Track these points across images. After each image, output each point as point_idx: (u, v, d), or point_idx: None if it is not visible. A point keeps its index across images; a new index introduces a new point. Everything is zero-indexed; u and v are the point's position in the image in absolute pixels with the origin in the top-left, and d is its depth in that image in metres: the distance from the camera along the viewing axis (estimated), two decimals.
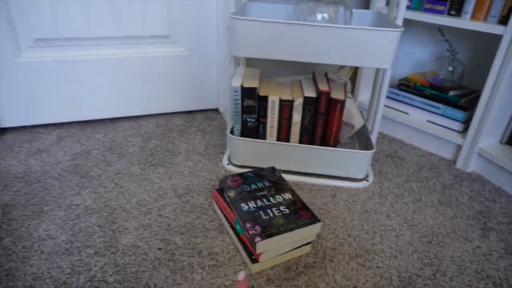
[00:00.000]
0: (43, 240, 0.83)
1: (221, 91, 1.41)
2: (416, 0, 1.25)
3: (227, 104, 1.35)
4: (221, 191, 0.92)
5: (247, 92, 1.00)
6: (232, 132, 1.10)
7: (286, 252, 0.80)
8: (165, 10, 1.25)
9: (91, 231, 0.86)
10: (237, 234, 0.84)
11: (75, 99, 1.27)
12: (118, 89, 1.31)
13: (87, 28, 1.19)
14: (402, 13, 0.98)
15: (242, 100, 1.02)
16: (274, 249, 0.78)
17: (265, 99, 1.01)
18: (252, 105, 1.02)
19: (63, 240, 0.83)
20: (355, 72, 1.58)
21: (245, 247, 0.80)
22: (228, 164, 1.13)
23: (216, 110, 1.49)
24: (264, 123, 1.05)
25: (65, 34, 1.18)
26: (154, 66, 1.31)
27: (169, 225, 0.89)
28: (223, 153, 1.20)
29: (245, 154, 1.09)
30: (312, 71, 1.51)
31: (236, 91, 1.01)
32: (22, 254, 0.79)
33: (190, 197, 0.99)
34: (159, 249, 0.82)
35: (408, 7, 1.27)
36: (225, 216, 0.89)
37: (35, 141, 1.20)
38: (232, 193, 0.87)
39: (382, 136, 1.34)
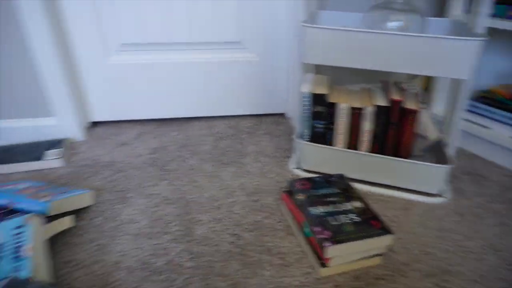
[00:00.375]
0: (127, 223, 0.91)
1: (289, 97, 1.45)
2: (500, 7, 1.19)
3: (295, 109, 1.38)
4: (289, 193, 0.94)
5: (317, 98, 1.02)
6: (300, 137, 1.12)
7: (355, 261, 0.80)
8: (235, 17, 1.31)
9: (169, 220, 0.93)
10: (305, 237, 0.86)
11: (154, 99, 1.37)
12: (192, 91, 1.39)
13: (167, 34, 1.29)
14: (484, 21, 0.94)
15: (312, 106, 1.04)
16: (343, 256, 0.79)
17: (334, 105, 1.02)
18: (321, 111, 1.04)
19: (144, 225, 0.91)
20: (428, 82, 1.53)
21: (314, 250, 0.82)
22: (295, 168, 1.15)
23: (283, 114, 1.52)
24: (332, 130, 1.06)
25: (148, 39, 1.29)
26: (225, 70, 1.38)
27: (239, 221, 0.94)
28: (289, 156, 1.22)
29: (313, 159, 1.11)
30: (381, 80, 1.49)
31: (306, 97, 1.03)
32: (110, 233, 0.88)
33: (259, 196, 1.03)
34: (231, 242, 0.87)
35: (491, 15, 1.20)
36: (293, 218, 0.91)
37: (120, 135, 1.32)
38: (301, 196, 0.89)
39: (460, 151, 1.28)
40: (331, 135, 1.07)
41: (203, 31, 1.31)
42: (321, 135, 1.07)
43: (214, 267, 0.80)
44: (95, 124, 1.39)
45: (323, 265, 0.79)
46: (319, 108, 1.03)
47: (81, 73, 1.28)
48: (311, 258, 0.82)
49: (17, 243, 0.70)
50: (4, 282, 0.63)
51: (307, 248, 0.84)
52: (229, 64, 1.38)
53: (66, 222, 0.85)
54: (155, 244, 0.85)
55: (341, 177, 0.98)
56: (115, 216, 0.93)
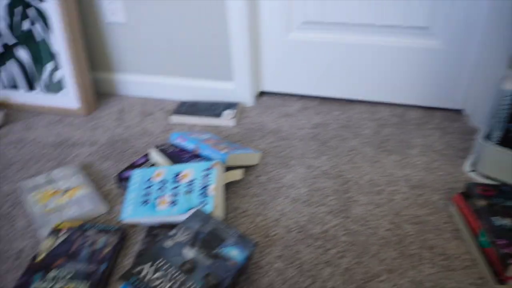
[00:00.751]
0: (288, 187, 0.96)
1: (472, 92, 1.27)
2: None
3: (478, 107, 1.20)
4: (466, 196, 0.84)
5: None
6: (488, 139, 0.98)
7: None
8: (430, 2, 1.20)
9: (327, 193, 0.94)
10: (479, 246, 0.75)
11: (320, 77, 1.39)
12: (360, 73, 1.36)
13: (350, 14, 1.27)
14: None
15: (511, 108, 0.89)
16: None
17: None
18: None
19: (303, 192, 0.94)
20: None
21: (488, 263, 0.72)
22: (470, 171, 1.02)
23: (459, 111, 1.35)
24: None
25: (330, 18, 1.29)
26: (402, 56, 1.30)
27: (399, 211, 0.88)
28: (465, 157, 1.09)
29: (499, 165, 0.96)
30: None
31: (508, 96, 0.89)
32: (273, 193, 0.94)
33: (423, 191, 0.95)
34: (388, 230, 0.83)
35: None
36: (465, 223, 0.81)
37: (284, 107, 1.39)
38: (482, 202, 0.78)
39: None
40: None
41: (389, 14, 1.25)
42: None
43: (369, 248, 0.78)
44: (263, 93, 1.49)
45: (501, 282, 0.68)
46: None
47: (261, 46, 1.39)
48: (484, 270, 0.72)
49: (205, 182, 0.81)
50: (194, 211, 0.75)
51: (480, 258, 0.74)
52: (408, 50, 1.29)
53: (237, 174, 0.94)
54: (312, 212, 0.88)
55: None
56: (277, 179, 0.99)
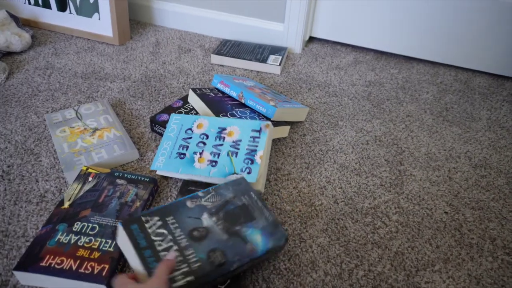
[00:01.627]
0: (336, 151, 0.87)
1: None
2: None
3: None
4: None
5: None
6: None
7: None
8: None
9: (379, 163, 0.85)
10: None
11: (379, 27, 1.23)
12: (424, 28, 1.18)
13: None
14: None
15: None
16: None
17: None
18: None
19: (352, 160, 0.85)
20: None
21: None
22: None
23: None
24: None
25: None
26: (473, 15, 1.11)
27: (458, 192, 0.79)
28: None
29: None
30: None
31: None
32: (319, 156, 0.86)
33: (486, 172, 0.85)
34: (445, 212, 0.75)
35: None
36: None
37: (335, 57, 1.25)
38: None
39: None
40: None
41: None
42: None
43: (423, 232, 0.70)
44: (312, 39, 1.35)
45: None
46: None
47: None
48: None
49: (252, 145, 0.72)
50: (238, 177, 0.67)
51: None
52: (481, 9, 1.10)
53: (285, 131, 0.86)
54: (362, 183, 0.80)
55: None
56: (325, 141, 0.90)
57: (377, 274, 0.63)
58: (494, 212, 0.76)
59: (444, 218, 0.74)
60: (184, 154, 0.74)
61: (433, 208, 0.75)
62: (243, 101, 0.88)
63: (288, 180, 0.79)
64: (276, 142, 0.88)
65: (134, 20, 1.37)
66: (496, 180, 0.83)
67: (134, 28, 1.32)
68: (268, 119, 0.85)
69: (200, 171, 0.71)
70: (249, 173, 0.69)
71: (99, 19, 1.19)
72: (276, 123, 0.84)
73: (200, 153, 0.73)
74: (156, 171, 0.77)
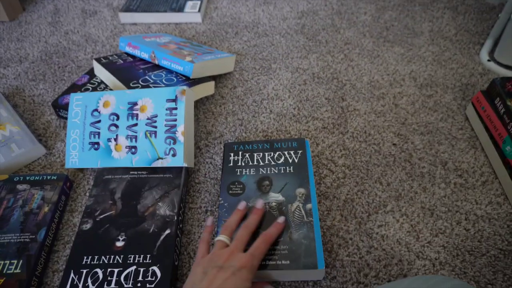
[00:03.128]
0: (271, 99, 0.78)
1: None
2: None
3: None
4: (489, 94, 0.68)
5: None
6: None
7: None
8: None
9: (319, 103, 0.77)
10: (502, 156, 0.63)
11: None
12: None
13: None
14: None
15: None
16: None
17: None
18: None
19: (290, 105, 0.77)
20: None
21: None
22: (488, 60, 0.85)
23: None
24: None
25: None
26: None
27: (406, 119, 0.74)
28: (480, 44, 0.90)
29: None
30: None
31: None
32: (253, 108, 0.77)
33: (433, 91, 0.79)
34: (394, 144, 0.69)
35: None
36: (486, 128, 0.67)
37: None
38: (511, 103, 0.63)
39: None
40: None
41: None
42: None
43: (371, 171, 0.65)
44: None
45: None
46: None
47: None
48: (507, 186, 0.61)
49: (170, 119, 0.61)
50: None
51: (502, 172, 0.62)
52: None
53: (209, 88, 0.75)
54: (303, 130, 0.72)
55: None
56: (258, 89, 0.81)
57: (327, 229, 0.58)
58: (444, 133, 0.71)
59: (393, 151, 0.68)
60: (98, 144, 0.63)
61: (380, 143, 0.69)
62: (156, 62, 0.76)
63: (220, 143, 0.70)
64: (203, 101, 0.78)
65: None
66: (443, 98, 0.78)
67: None
68: (187, 78, 0.74)
69: (120, 161, 0.62)
70: (174, 155, 0.60)
71: None
72: (198, 80, 0.74)
73: (115, 139, 0.63)
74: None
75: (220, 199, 0.56)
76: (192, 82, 0.73)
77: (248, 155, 0.61)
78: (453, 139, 0.70)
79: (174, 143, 0.60)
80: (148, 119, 0.62)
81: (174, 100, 0.62)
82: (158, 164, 0.60)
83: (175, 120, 0.61)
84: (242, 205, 0.53)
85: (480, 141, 0.69)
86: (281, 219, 0.51)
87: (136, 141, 0.62)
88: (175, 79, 0.73)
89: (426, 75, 0.83)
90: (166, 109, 0.62)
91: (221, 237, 0.47)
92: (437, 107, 0.76)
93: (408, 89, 0.80)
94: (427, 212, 0.59)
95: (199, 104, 0.77)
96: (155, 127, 0.61)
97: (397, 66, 0.85)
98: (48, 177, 0.61)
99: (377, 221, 0.58)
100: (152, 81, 0.72)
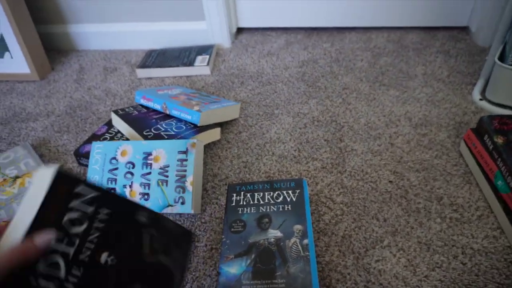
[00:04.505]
0: (274, 143, 0.84)
1: (479, 4, 1.09)
2: None
3: (486, 21, 1.03)
4: (478, 132, 0.72)
5: None
6: (501, 59, 0.83)
7: None
8: None
9: (318, 144, 0.82)
10: (494, 191, 0.65)
11: (304, 5, 1.19)
12: None
13: None
14: None
15: None
16: None
17: None
18: None
19: (291, 147, 0.82)
20: None
21: (507, 210, 0.62)
22: (480, 99, 0.89)
23: (465, 29, 1.18)
24: None
25: None
26: None
27: (401, 157, 0.77)
28: (472, 84, 0.95)
29: None
30: None
31: None
32: (256, 151, 0.82)
33: (428, 130, 0.83)
34: (390, 181, 0.73)
35: None
36: (478, 164, 0.70)
37: (266, 43, 1.22)
38: (500, 139, 0.67)
39: None
40: None
41: None
42: None
43: (369, 208, 0.68)
44: (240, 30, 1.31)
45: None
46: None
47: None
48: (502, 220, 0.63)
49: (181, 170, 0.67)
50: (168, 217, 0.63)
51: (496, 206, 0.64)
52: None
53: (215, 134, 0.82)
54: (303, 170, 0.77)
55: None
56: (261, 134, 0.87)
57: (325, 264, 0.60)
58: (439, 170, 0.74)
59: (389, 188, 0.71)
60: (114, 189, 0.69)
61: (377, 180, 0.73)
62: (167, 112, 0.84)
63: (225, 184, 0.75)
64: (210, 146, 0.84)
65: (54, 50, 1.30)
66: (438, 136, 0.81)
67: (54, 58, 1.26)
68: (195, 125, 0.81)
69: None
70: (183, 203, 0.65)
71: (12, 57, 1.12)
72: (205, 128, 0.81)
73: (130, 186, 0.69)
74: None
75: (223, 237, 0.60)
76: (199, 129, 0.80)
77: (250, 194, 0.66)
78: (448, 175, 0.73)
79: (183, 192, 0.66)
80: (161, 168, 0.68)
81: (185, 152, 0.68)
82: (168, 210, 0.66)
83: (185, 170, 0.67)
84: None
85: (474, 177, 0.72)
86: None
87: (149, 188, 0.68)
88: (184, 127, 0.80)
89: (420, 115, 0.87)
90: (178, 160, 0.68)
91: None
92: (432, 145, 0.80)
93: (403, 128, 0.84)
94: (423, 247, 0.61)
95: (207, 149, 0.84)
96: (167, 176, 0.67)
97: (392, 108, 0.90)
98: None
99: (374, 256, 0.61)
100: (163, 129, 0.79)
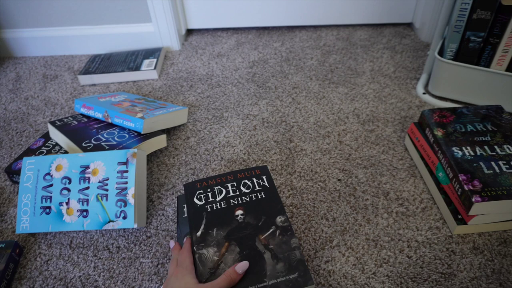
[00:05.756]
0: (223, 147, 0.82)
1: (421, 1, 1.12)
2: None
3: (429, 17, 1.07)
4: (420, 126, 0.74)
5: (483, 0, 0.73)
6: (441, 54, 0.86)
7: (503, 221, 0.61)
8: None
9: (268, 146, 0.81)
10: (436, 183, 0.67)
11: (255, 5, 1.18)
12: None
13: None
14: None
15: (472, 11, 0.75)
16: (493, 215, 0.59)
17: (509, 11, 0.72)
18: (485, 18, 0.75)
19: (241, 151, 0.81)
20: None
21: (447, 201, 0.64)
22: (424, 93, 0.91)
23: (409, 25, 1.22)
24: (495, 45, 0.77)
25: None
26: None
27: (350, 154, 0.78)
28: (417, 78, 0.97)
29: (454, 83, 0.85)
30: None
31: None
32: (205, 157, 0.80)
33: (375, 126, 0.84)
34: (339, 180, 0.73)
35: None
36: (421, 157, 0.72)
37: (216, 45, 1.19)
38: (439, 132, 0.68)
39: None
40: (491, 52, 0.78)
41: None
42: (475, 52, 0.80)
43: (318, 208, 0.68)
44: (190, 32, 1.27)
45: (461, 221, 0.61)
46: (483, 14, 0.74)
47: None
48: (444, 211, 0.64)
49: (121, 182, 0.63)
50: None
51: (438, 197, 0.66)
52: None
53: (160, 141, 0.79)
54: None
55: (498, 109, 0.72)
56: (210, 138, 0.84)
57: None
58: (385, 165, 0.75)
59: (338, 186, 0.71)
60: (50, 208, 0.64)
61: (326, 180, 0.73)
62: (109, 120, 0.80)
63: (173, 194, 0.72)
64: (157, 154, 0.81)
65: None
66: (384, 131, 0.83)
67: None
68: (139, 133, 0.77)
69: (72, 225, 0.63)
70: (124, 218, 0.62)
71: None
72: (150, 135, 0.77)
73: (67, 203, 0.64)
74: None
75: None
76: (144, 137, 0.76)
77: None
78: (394, 170, 0.74)
79: (125, 205, 0.62)
80: (99, 182, 0.64)
81: (125, 163, 0.64)
82: (110, 226, 0.62)
83: (126, 183, 0.63)
84: (171, 243, 0.59)
85: (418, 170, 0.73)
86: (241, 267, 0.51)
87: (87, 204, 0.63)
88: (127, 136, 0.76)
89: (368, 111, 0.88)
90: (117, 172, 0.64)
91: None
92: (379, 140, 0.81)
93: (351, 126, 0.85)
94: (371, 243, 0.62)
95: (153, 157, 0.80)
96: (107, 190, 0.64)
97: (341, 105, 0.91)
98: None
99: (323, 257, 0.60)
100: (104, 139, 0.75)
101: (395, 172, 0.73)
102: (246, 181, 0.62)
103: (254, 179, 0.62)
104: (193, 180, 0.74)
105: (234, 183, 0.62)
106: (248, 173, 0.63)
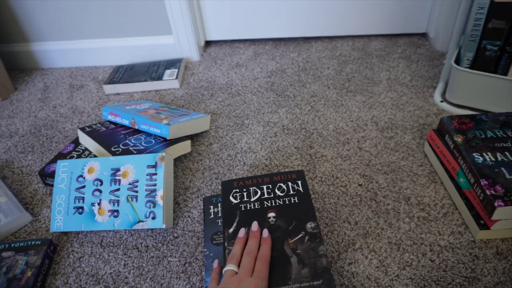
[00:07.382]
0: (245, 153, 0.84)
1: (435, 11, 1.14)
2: None
3: (442, 27, 1.09)
4: (440, 132, 0.75)
5: (499, 9, 0.75)
6: (457, 62, 0.87)
7: None
8: None
9: (289, 152, 0.83)
10: (457, 188, 0.68)
11: (270, 17, 1.22)
12: (313, 7, 1.19)
13: None
14: None
15: (487, 21, 0.77)
16: None
17: None
18: (500, 27, 0.76)
19: (262, 156, 0.83)
20: None
21: (469, 206, 0.64)
22: (441, 101, 0.93)
23: (424, 35, 1.24)
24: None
25: None
26: None
27: (370, 160, 0.79)
28: (433, 87, 0.99)
29: (472, 91, 0.86)
30: None
31: (481, 7, 0.77)
32: (228, 162, 0.82)
33: (394, 133, 0.86)
34: (360, 185, 0.74)
35: None
36: (441, 163, 0.73)
37: (235, 55, 1.23)
38: (460, 138, 0.69)
39: None
40: (508, 61, 0.80)
41: None
42: (492, 60, 0.81)
43: (340, 212, 0.69)
44: (209, 43, 1.31)
45: (484, 226, 0.62)
46: (497, 24, 0.76)
47: None
48: (466, 216, 0.65)
49: (150, 185, 0.66)
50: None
51: (459, 202, 0.67)
52: None
53: (185, 147, 0.81)
54: None
55: None
56: (232, 144, 0.87)
57: None
58: (405, 171, 0.76)
59: (359, 191, 0.73)
60: (82, 208, 0.67)
61: (347, 184, 0.74)
62: (136, 127, 0.83)
63: (198, 197, 0.75)
64: (181, 159, 0.84)
65: (17, 69, 1.27)
66: (403, 138, 0.84)
67: (17, 78, 1.22)
68: (164, 139, 0.80)
69: (103, 225, 0.66)
70: (153, 218, 0.64)
71: None
72: (175, 141, 0.80)
73: (99, 203, 0.67)
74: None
75: (205, 249, 0.60)
76: (169, 142, 0.79)
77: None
78: (414, 176, 0.75)
79: (154, 206, 0.65)
80: (129, 184, 0.67)
81: (154, 166, 0.67)
82: (139, 226, 0.64)
83: (155, 185, 0.66)
84: (241, 232, 0.57)
85: (438, 176, 0.74)
86: (265, 233, 0.56)
87: (118, 205, 0.66)
88: (153, 141, 0.79)
89: (386, 119, 0.90)
90: (147, 175, 0.67)
91: (230, 267, 0.51)
92: (398, 147, 0.82)
93: (370, 133, 0.86)
94: (394, 247, 0.63)
95: (178, 162, 0.83)
96: (136, 191, 0.66)
97: (359, 113, 0.93)
98: (33, 242, 0.64)
99: (347, 259, 0.61)
100: (132, 144, 0.78)
101: (416, 178, 0.74)
102: (282, 184, 0.64)
103: (289, 183, 0.64)
104: (216, 184, 0.77)
105: (270, 185, 0.64)
106: (284, 176, 0.65)
